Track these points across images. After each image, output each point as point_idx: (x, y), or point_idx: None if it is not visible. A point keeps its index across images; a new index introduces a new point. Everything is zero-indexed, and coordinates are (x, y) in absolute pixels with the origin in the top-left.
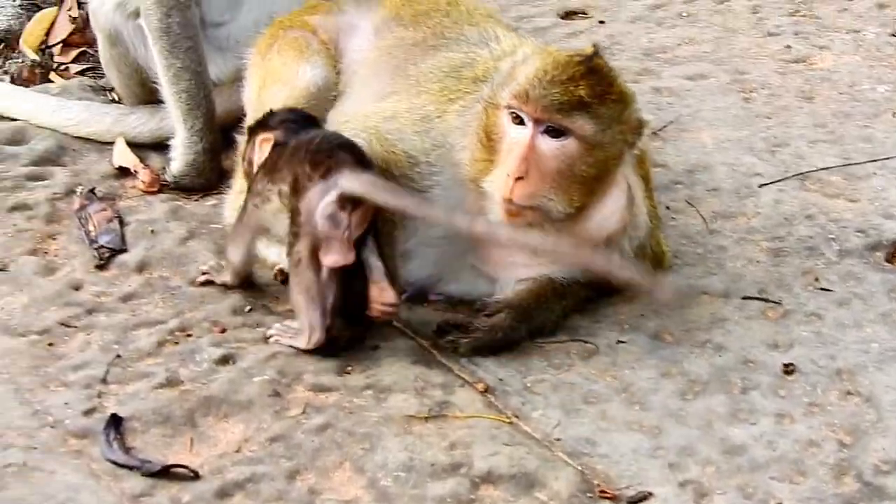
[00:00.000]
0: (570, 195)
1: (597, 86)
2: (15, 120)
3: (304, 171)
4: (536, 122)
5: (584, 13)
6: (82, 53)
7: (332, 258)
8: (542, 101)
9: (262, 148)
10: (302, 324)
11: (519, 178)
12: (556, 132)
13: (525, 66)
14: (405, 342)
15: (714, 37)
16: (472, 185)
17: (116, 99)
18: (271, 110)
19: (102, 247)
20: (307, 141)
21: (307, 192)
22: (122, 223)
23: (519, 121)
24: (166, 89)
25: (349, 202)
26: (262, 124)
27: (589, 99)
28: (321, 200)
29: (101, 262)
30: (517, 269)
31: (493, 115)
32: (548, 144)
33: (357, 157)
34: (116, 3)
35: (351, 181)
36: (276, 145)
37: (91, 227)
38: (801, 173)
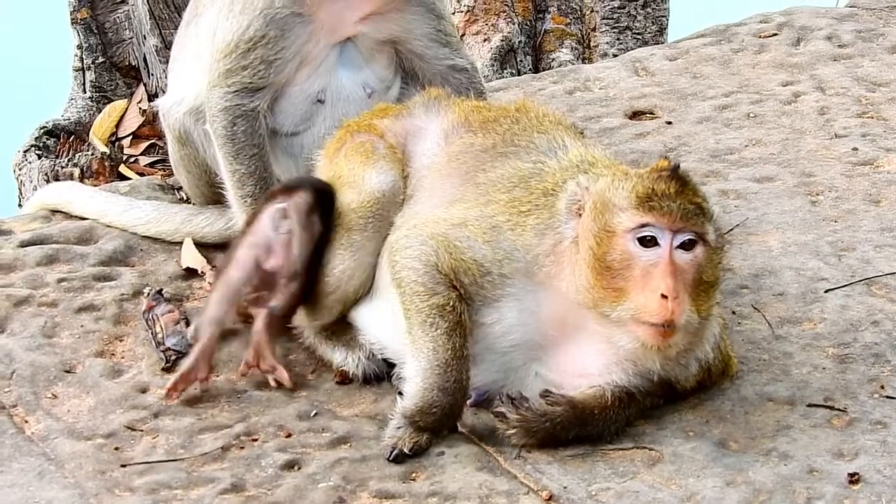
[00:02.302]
0: (699, 304)
1: (697, 191)
2: (84, 219)
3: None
4: (675, 233)
5: (652, 113)
6: (152, 146)
7: (273, 262)
8: (678, 213)
9: None
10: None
11: (675, 298)
12: (687, 245)
13: (618, 190)
14: (470, 448)
15: (781, 138)
16: (594, 311)
17: (185, 198)
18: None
19: (169, 349)
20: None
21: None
22: (188, 325)
23: (649, 242)
24: (231, 193)
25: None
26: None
27: (703, 203)
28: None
29: (168, 364)
30: (584, 378)
31: (607, 241)
32: (683, 258)
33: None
34: (190, 108)
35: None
36: None
37: (158, 329)
38: (868, 278)
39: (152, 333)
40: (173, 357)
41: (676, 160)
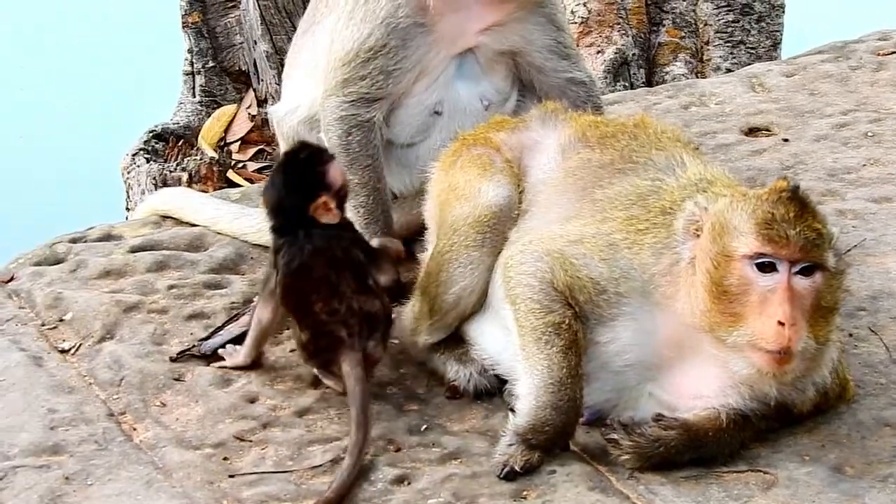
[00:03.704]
0: (817, 330)
1: (817, 214)
2: (195, 225)
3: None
4: (793, 263)
5: (769, 130)
6: (260, 151)
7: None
8: (797, 243)
9: None
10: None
11: (793, 325)
12: (805, 271)
13: (737, 212)
14: (582, 467)
15: None
16: (710, 335)
17: None
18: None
19: (198, 347)
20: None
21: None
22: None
23: (767, 268)
24: None
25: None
26: None
27: (822, 228)
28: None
29: (177, 356)
30: (699, 399)
31: (725, 265)
32: (802, 284)
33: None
34: (304, 117)
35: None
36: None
37: (227, 325)
38: None
39: (225, 322)
40: (193, 353)
41: (796, 181)
